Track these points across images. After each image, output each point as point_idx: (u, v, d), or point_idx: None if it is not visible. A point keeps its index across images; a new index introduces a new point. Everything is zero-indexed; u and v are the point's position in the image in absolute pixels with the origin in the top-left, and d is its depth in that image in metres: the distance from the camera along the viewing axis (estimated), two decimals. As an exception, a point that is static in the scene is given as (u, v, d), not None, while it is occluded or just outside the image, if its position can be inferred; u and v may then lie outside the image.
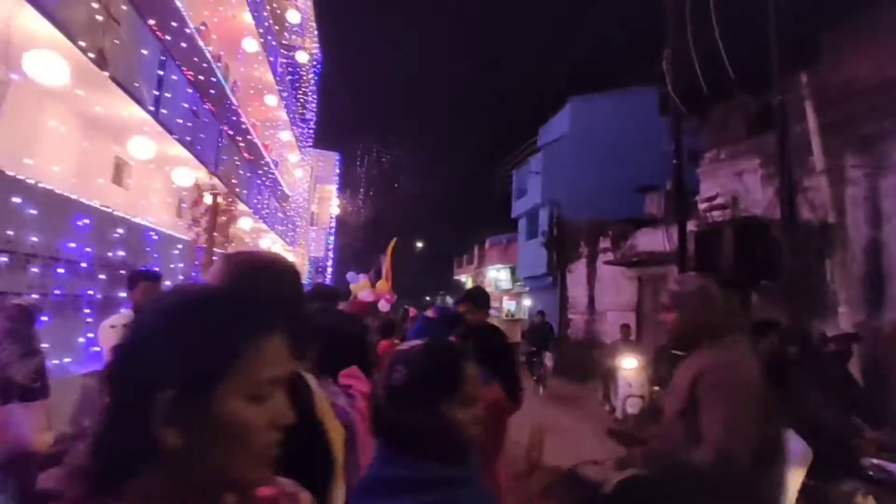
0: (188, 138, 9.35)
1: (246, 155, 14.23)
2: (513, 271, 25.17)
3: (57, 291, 5.59)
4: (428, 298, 63.35)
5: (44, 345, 3.43)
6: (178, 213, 12.66)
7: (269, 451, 0.70)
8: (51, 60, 5.41)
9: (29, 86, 6.62)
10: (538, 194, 19.42)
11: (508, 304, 26.75)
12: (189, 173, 9.40)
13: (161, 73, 8.04)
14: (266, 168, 17.82)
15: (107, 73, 6.50)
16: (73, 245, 5.79)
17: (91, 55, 6.13)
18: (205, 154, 10.58)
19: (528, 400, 9.03)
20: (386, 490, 1.09)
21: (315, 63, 24.31)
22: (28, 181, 5.13)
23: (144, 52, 7.35)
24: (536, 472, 5.60)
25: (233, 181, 12.65)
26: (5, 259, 4.72)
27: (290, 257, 20.98)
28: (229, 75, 15.05)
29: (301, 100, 22.59)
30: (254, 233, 18.62)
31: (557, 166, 18.83)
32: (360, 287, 14.67)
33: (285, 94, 18.31)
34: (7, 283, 4.83)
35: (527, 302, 23.17)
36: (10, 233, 4.85)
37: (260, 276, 1.20)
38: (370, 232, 34.52)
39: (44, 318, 3.63)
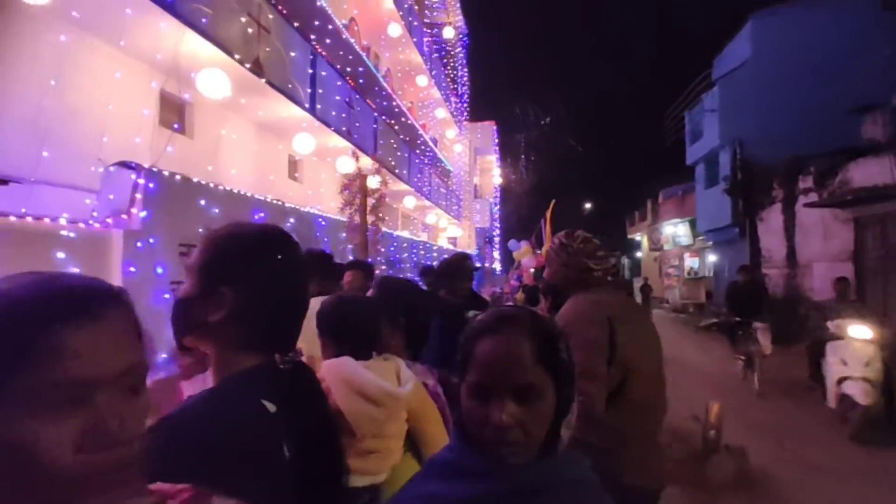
0: (344, 128, 9.93)
1: (403, 136, 14.80)
2: (692, 225, 22.77)
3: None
4: (601, 261, 61.10)
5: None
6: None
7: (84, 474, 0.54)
8: (215, 77, 6.04)
9: (205, 102, 7.55)
10: (716, 135, 17.12)
11: (690, 262, 24.35)
12: (349, 161, 10.04)
13: (311, 71, 8.58)
14: (424, 147, 18.40)
15: (263, 80, 7.11)
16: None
17: (248, 65, 6.74)
18: (362, 141, 11.20)
19: (735, 390, 7.85)
20: (434, 473, 0.95)
21: (461, 36, 24.30)
22: (210, 185, 5.83)
23: (293, 53, 7.88)
24: (715, 457, 4.89)
25: (392, 163, 13.27)
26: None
27: (457, 230, 21.61)
28: (380, 63, 15.73)
29: (451, 75, 22.81)
30: (418, 210, 19.48)
31: (738, 99, 16.33)
32: (523, 254, 14.47)
33: (434, 73, 18.61)
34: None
35: (711, 258, 20.84)
36: (200, 230, 5.59)
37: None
38: (535, 198, 33.98)
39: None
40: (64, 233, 4.20)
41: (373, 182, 7.12)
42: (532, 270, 14.44)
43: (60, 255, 4.13)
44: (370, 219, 6.97)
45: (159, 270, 4.99)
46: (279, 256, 1.07)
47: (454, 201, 23.81)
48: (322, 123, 8.87)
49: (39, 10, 4.39)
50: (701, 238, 21.58)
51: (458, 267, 3.78)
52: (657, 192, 27.36)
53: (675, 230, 25.10)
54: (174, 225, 5.19)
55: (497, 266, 32.20)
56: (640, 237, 33.85)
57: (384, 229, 12.97)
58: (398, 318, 1.89)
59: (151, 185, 4.92)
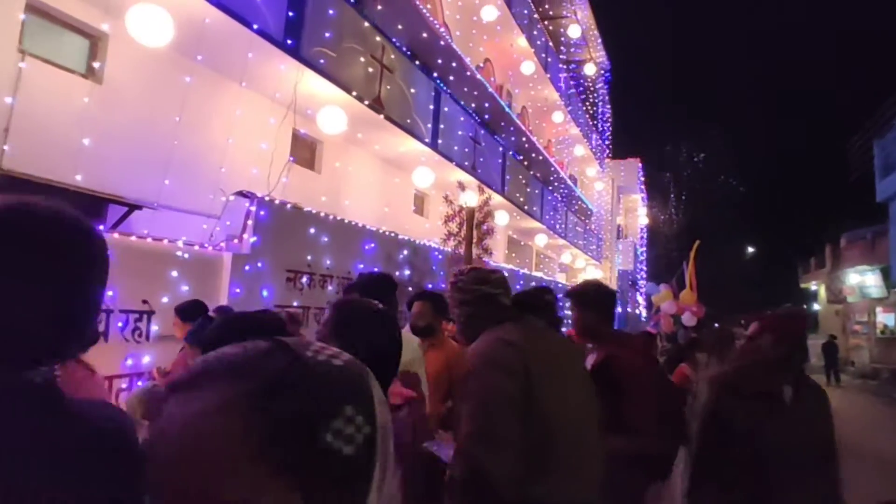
0: (467, 163, 9.96)
1: (535, 173, 14.53)
2: (885, 273, 19.05)
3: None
4: (769, 313, 53.76)
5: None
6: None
7: None
8: (334, 114, 6.39)
9: (332, 140, 8.03)
10: (916, 166, 14.27)
11: (883, 318, 20.26)
12: (472, 195, 10.01)
13: (433, 107, 8.76)
14: (559, 184, 17.92)
15: (381, 115, 7.38)
16: (361, 266, 6.66)
17: (367, 102, 7.05)
18: (488, 176, 11.15)
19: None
20: None
21: (603, 72, 23.63)
22: (321, 214, 6.09)
23: (414, 90, 8.11)
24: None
25: (521, 199, 13.03)
26: (306, 279, 5.65)
27: (596, 272, 20.46)
28: (513, 100, 15.77)
29: (591, 111, 22.17)
30: (551, 249, 18.86)
31: (945, 123, 13.49)
32: (662, 298, 13.14)
33: (571, 109, 18.21)
34: (309, 299, 5.77)
35: (915, 313, 17.13)
36: (309, 258, 5.82)
37: None
38: (685, 240, 31.27)
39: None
40: (179, 253, 4.58)
41: (470, 198, 6.87)
42: (671, 317, 13.05)
43: (174, 273, 4.51)
44: (476, 251, 6.75)
45: (265, 293, 5.25)
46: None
47: (593, 241, 22.74)
48: (443, 157, 8.96)
49: (167, 52, 4.97)
50: (898, 289, 17.93)
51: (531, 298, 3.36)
52: (838, 234, 23.47)
53: (863, 279, 21.17)
54: (282, 251, 5.46)
55: (642, 311, 29.91)
56: (815, 287, 29.24)
57: (512, 267, 12.68)
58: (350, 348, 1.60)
59: (263, 212, 5.23)
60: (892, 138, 16.35)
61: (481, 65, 13.35)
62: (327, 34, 6.33)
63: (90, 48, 5.17)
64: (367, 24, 7.07)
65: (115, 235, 4.20)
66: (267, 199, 5.37)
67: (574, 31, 18.72)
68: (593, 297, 2.69)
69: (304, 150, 7.97)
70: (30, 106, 4.46)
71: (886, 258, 18.01)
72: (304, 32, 5.96)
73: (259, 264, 5.17)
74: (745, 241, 37.24)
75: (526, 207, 13.40)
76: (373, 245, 6.94)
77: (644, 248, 31.92)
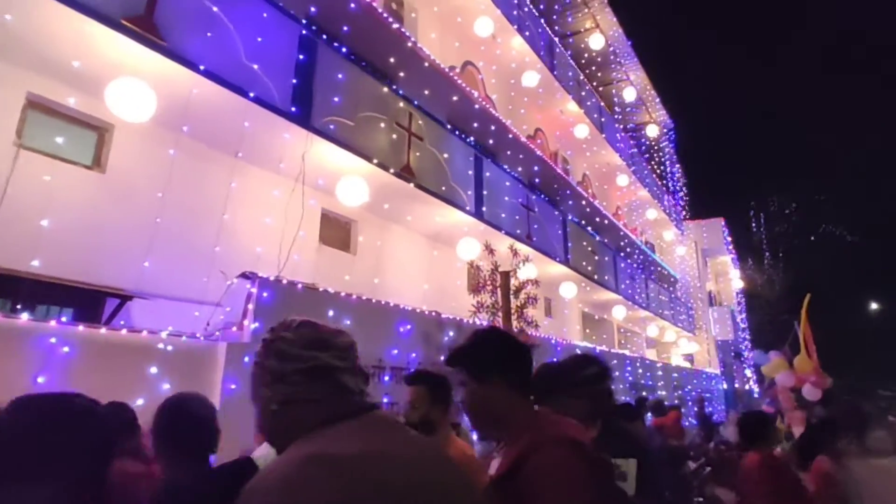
0: (519, 231, 9.11)
1: (603, 239, 13.37)
2: None
3: (385, 399, 5.56)
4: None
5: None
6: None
7: None
8: (353, 184, 5.87)
9: (368, 218, 7.51)
10: None
11: None
12: (532, 268, 9.05)
13: (471, 172, 8.14)
14: (633, 250, 16.52)
15: (412, 184, 6.80)
16: (396, 352, 5.80)
17: (393, 171, 6.52)
18: (547, 245, 10.19)
19: None
20: None
21: (667, 131, 22.59)
22: (341, 294, 5.40)
23: (446, 155, 7.55)
24: None
25: (588, 268, 11.85)
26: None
27: (691, 345, 18.28)
28: (572, 166, 15.03)
29: (658, 171, 20.94)
30: (633, 322, 17.09)
31: None
32: (773, 369, 11.07)
33: (636, 170, 17.18)
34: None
35: None
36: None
37: None
38: (792, 301, 27.88)
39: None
40: (161, 346, 3.96)
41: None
42: (791, 391, 10.82)
43: (153, 370, 3.87)
44: (516, 323, 5.62)
45: (270, 388, 4.49)
46: None
47: (682, 311, 20.59)
48: (490, 226, 8.17)
49: (153, 128, 4.65)
50: None
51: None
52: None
53: None
54: (293, 337, 4.76)
55: (753, 387, 26.31)
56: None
57: (587, 344, 11.27)
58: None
59: (266, 294, 4.60)
60: None
61: (532, 134, 12.87)
62: (340, 100, 5.95)
63: (94, 140, 5.02)
64: (386, 90, 6.69)
65: (80, 328, 3.65)
66: (272, 279, 4.75)
67: (629, 94, 18.10)
68: (490, 355, 1.64)
69: (337, 231, 7.49)
70: (25, 197, 4.23)
71: None
72: (314, 101, 5.60)
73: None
74: (868, 296, 32.75)
75: (596, 277, 12.16)
76: (409, 327, 6.09)
77: (744, 315, 28.72)
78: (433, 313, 6.43)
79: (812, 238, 28.84)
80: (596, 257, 12.30)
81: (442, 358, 5.42)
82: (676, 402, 12.83)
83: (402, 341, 6.00)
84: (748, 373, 26.19)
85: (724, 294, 28.39)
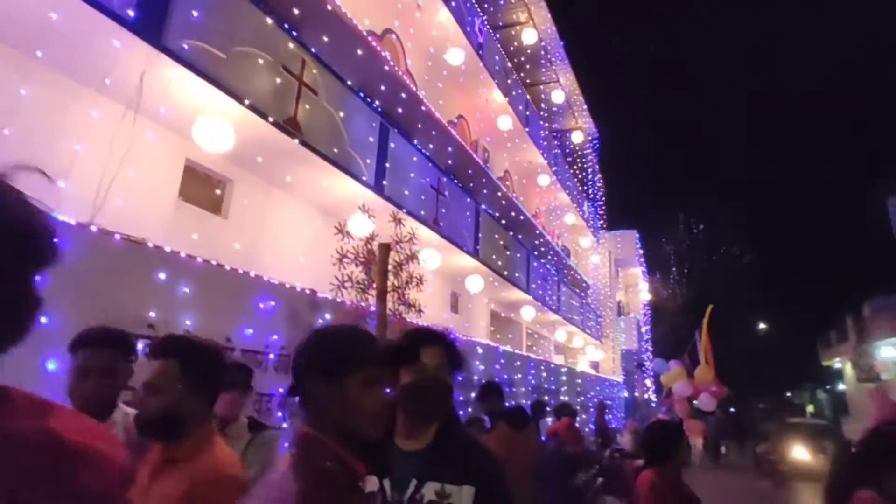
0: (423, 212, 8.32)
1: (517, 235, 12.87)
2: (924, 345, 16.89)
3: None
4: (789, 395, 50.11)
5: None
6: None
7: None
8: (216, 126, 4.82)
9: (252, 181, 6.43)
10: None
11: (928, 397, 17.74)
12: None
13: (373, 139, 7.26)
14: (548, 250, 16.26)
15: (296, 140, 5.81)
16: (250, 331, 4.83)
17: (273, 119, 5.50)
18: (455, 234, 9.49)
19: None
20: None
21: (591, 139, 22.79)
22: (181, 255, 4.37)
23: (342, 114, 6.62)
24: None
25: (499, 263, 11.28)
26: (142, 347, 3.80)
27: (598, 352, 18.32)
28: (494, 162, 14.48)
29: (581, 177, 21.00)
30: (543, 325, 16.86)
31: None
32: (672, 378, 11.03)
33: (557, 170, 16.96)
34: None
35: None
36: (153, 315, 4.06)
37: None
38: (692, 316, 29.18)
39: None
40: None
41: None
42: (687, 400, 10.77)
43: None
44: (394, 306, 4.73)
45: (51, 366, 3.39)
46: None
47: (592, 317, 20.73)
48: (390, 203, 7.31)
49: None
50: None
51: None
52: (860, 304, 21.45)
53: (896, 353, 18.92)
54: (100, 303, 3.67)
55: (651, 396, 27.22)
56: (839, 363, 26.74)
57: (490, 342, 10.68)
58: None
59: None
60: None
61: (453, 120, 12.16)
62: (209, 24, 4.88)
63: None
64: (273, 24, 5.66)
65: None
66: (75, 223, 3.63)
67: (558, 97, 17.90)
68: None
69: (206, 189, 6.36)
70: None
71: (923, 327, 15.94)
72: (170, 15, 4.49)
73: (45, 321, 3.35)
74: (757, 316, 35.02)
75: (506, 273, 11.62)
76: (272, 304, 5.10)
77: (648, 327, 29.72)
78: (306, 290, 5.47)
79: (714, 257, 30.32)
80: (508, 253, 11.77)
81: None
82: (578, 408, 12.60)
83: (260, 319, 5.00)
84: (648, 382, 27.04)
85: (632, 305, 29.22)
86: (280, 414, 3.62)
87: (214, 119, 4.87)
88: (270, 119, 5.48)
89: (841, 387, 30.43)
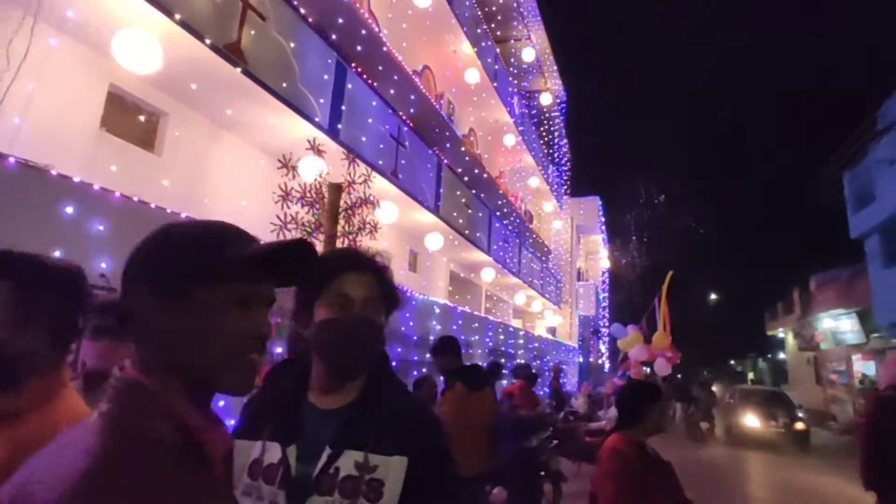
0: (381, 162, 7.80)
1: (478, 193, 12.47)
2: (862, 317, 17.60)
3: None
4: (733, 363, 52.49)
5: None
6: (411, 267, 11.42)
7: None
8: (140, 42, 4.17)
9: (191, 117, 5.80)
10: (896, 195, 12.93)
11: (862, 367, 18.67)
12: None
13: (327, 77, 6.65)
14: (509, 211, 15.98)
15: (239, 69, 5.19)
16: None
17: (211, 42, 4.86)
18: (414, 187, 9.02)
19: None
20: None
21: (559, 102, 22.39)
22: (94, 187, 3.79)
23: (293, 45, 5.98)
24: None
25: (460, 222, 10.91)
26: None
27: (555, 318, 18.33)
28: (458, 117, 13.93)
29: (546, 140, 20.67)
30: (503, 289, 16.72)
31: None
32: (629, 343, 11.06)
33: (524, 130, 16.52)
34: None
35: (899, 361, 15.47)
36: (58, 254, 3.57)
37: None
38: (649, 284, 29.75)
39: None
40: None
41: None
42: (642, 364, 10.87)
43: None
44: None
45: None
46: None
47: (552, 282, 20.76)
48: (345, 148, 6.76)
49: None
50: (880, 336, 16.37)
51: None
52: (807, 277, 22.19)
53: (837, 325, 19.69)
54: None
55: (605, 362, 27.86)
56: (783, 333, 27.89)
57: (447, 302, 10.38)
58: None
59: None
60: (864, 168, 15.18)
61: (418, 70, 11.51)
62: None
63: None
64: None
65: None
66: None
67: (528, 55, 17.33)
68: None
69: (135, 121, 5.68)
70: None
71: (864, 300, 16.55)
72: None
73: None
74: (709, 287, 36.11)
75: (468, 233, 11.27)
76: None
77: (606, 294, 30.19)
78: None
79: (672, 226, 30.83)
80: (470, 212, 11.40)
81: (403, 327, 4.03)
82: (534, 371, 12.59)
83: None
84: (603, 348, 27.62)
85: (591, 272, 29.53)
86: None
87: (139, 34, 4.22)
88: (208, 41, 4.84)
89: (781, 356, 31.88)
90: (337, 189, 3.96)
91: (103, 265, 3.84)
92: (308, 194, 3.93)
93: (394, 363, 7.02)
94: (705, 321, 33.39)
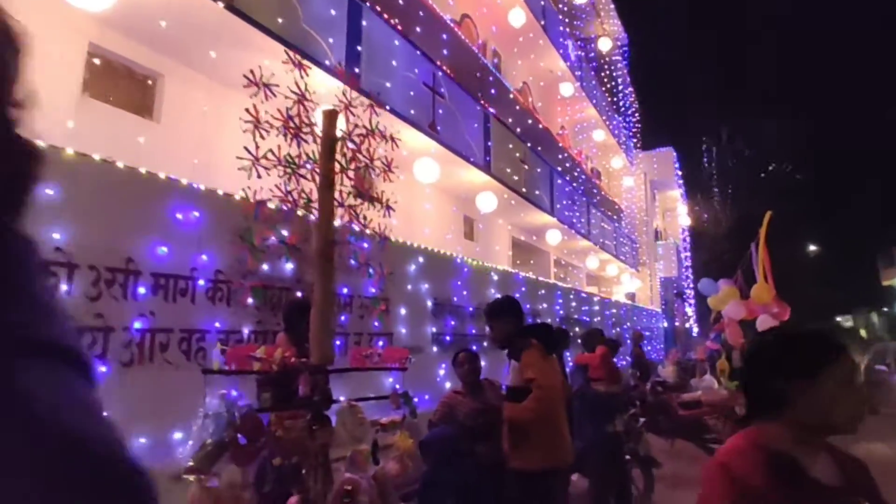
0: (413, 111, 6.86)
1: (533, 146, 11.21)
2: None
3: (138, 322, 3.42)
4: (840, 319, 47.64)
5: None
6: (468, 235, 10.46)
7: None
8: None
9: (183, 74, 5.11)
10: None
11: None
12: (432, 165, 6.86)
13: (335, 12, 5.74)
14: (576, 171, 14.59)
15: (221, 4, 4.38)
16: (164, 250, 3.61)
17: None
18: (458, 142, 8.02)
19: None
20: None
21: (621, 46, 20.40)
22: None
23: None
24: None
25: (515, 178, 9.80)
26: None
27: (635, 282, 16.80)
28: (507, 70, 12.68)
29: (608, 87, 18.87)
30: (571, 252, 15.41)
31: None
32: (722, 300, 9.54)
33: (581, 75, 14.97)
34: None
35: None
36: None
37: None
38: (737, 240, 27.05)
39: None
40: None
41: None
42: (740, 324, 9.36)
43: None
44: (343, 212, 3.29)
45: None
46: None
47: (626, 243, 19.14)
48: (365, 96, 5.85)
49: None
50: None
51: None
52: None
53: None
54: None
55: (693, 326, 25.77)
56: (903, 282, 24.57)
57: (508, 268, 9.33)
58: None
59: None
60: None
61: (457, 20, 10.40)
62: None
63: None
64: None
65: None
66: None
67: (579, -5, 15.70)
68: None
69: (127, 85, 5.06)
70: None
71: None
72: None
73: None
74: (809, 238, 32.55)
75: (525, 191, 10.14)
76: (196, 214, 3.84)
77: (688, 253, 27.84)
78: (241, 197, 4.16)
79: (762, 174, 27.81)
80: (526, 168, 10.25)
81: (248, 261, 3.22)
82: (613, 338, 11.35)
83: (180, 235, 3.77)
84: (689, 311, 25.53)
85: (670, 231, 27.31)
86: (215, 354, 2.53)
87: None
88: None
89: (901, 307, 28.37)
90: (331, 117, 3.07)
91: (55, 235, 3.17)
92: (292, 122, 3.05)
93: (447, 338, 5.90)
94: (806, 275, 30.14)
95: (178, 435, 3.42)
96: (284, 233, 3.70)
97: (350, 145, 3.24)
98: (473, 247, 10.01)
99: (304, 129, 3.06)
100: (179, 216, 3.80)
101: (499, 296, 6.34)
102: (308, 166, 3.08)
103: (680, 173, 26.05)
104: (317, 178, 3.10)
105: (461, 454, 2.97)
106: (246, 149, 2.70)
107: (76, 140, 3.93)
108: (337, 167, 3.20)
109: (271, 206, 2.79)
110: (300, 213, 2.91)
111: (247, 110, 2.82)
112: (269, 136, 2.91)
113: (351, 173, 3.26)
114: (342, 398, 2.84)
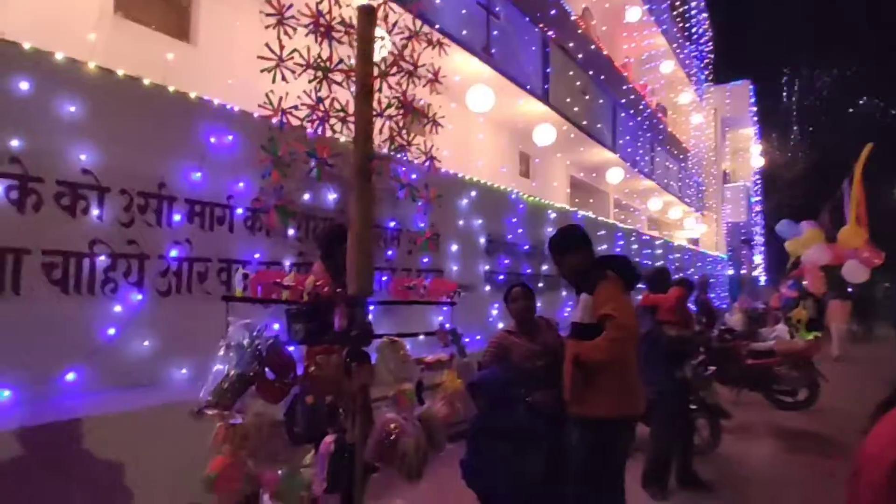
0: (465, 32, 6.27)
1: (597, 76, 10.33)
2: None
3: (174, 251, 3.24)
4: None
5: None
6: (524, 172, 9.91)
7: None
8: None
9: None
10: None
11: None
12: (486, 92, 6.32)
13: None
14: (639, 104, 13.52)
15: None
16: (198, 176, 3.37)
17: None
18: (514, 66, 7.39)
19: None
20: None
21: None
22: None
23: None
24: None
25: (575, 110, 9.07)
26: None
27: (699, 226, 15.84)
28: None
29: (680, 11, 17.20)
30: (633, 193, 14.54)
31: None
32: (805, 243, 8.67)
33: (650, 3, 13.62)
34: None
35: None
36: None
37: None
38: (813, 185, 24.85)
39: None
40: None
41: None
42: (822, 269, 8.45)
43: None
44: (387, 111, 2.86)
45: None
46: None
47: (692, 185, 17.95)
48: (411, 15, 5.33)
49: None
50: None
51: None
52: None
53: None
54: None
55: (761, 275, 24.35)
56: None
57: (568, 207, 8.77)
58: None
59: None
60: None
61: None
62: None
63: None
64: None
65: None
66: None
67: None
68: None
69: (164, 6, 4.76)
70: None
71: None
72: None
73: None
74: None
75: (585, 125, 9.41)
76: (230, 138, 3.57)
77: (759, 198, 25.99)
78: (280, 119, 3.86)
79: (851, 110, 25.14)
80: (587, 98, 9.46)
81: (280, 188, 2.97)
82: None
83: (215, 160, 3.53)
84: (758, 258, 24.08)
85: (740, 172, 25.48)
86: (241, 285, 2.30)
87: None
88: None
89: None
90: (367, 16, 2.65)
91: (82, 156, 2.97)
92: (322, 19, 2.64)
93: (500, 277, 5.44)
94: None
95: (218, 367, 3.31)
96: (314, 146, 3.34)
97: (389, 49, 2.79)
98: (529, 184, 9.48)
99: (336, 28, 2.64)
100: (213, 140, 3.54)
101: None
102: (341, 72, 2.67)
103: (755, 109, 23.96)
104: (352, 85, 2.72)
105: (514, 399, 2.67)
106: (268, 45, 2.33)
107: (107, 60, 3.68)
108: (375, 71, 2.81)
109: (299, 114, 2.42)
110: (333, 123, 2.54)
111: (268, 1, 2.42)
112: (298, 37, 2.52)
113: (392, 80, 2.83)
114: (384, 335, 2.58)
